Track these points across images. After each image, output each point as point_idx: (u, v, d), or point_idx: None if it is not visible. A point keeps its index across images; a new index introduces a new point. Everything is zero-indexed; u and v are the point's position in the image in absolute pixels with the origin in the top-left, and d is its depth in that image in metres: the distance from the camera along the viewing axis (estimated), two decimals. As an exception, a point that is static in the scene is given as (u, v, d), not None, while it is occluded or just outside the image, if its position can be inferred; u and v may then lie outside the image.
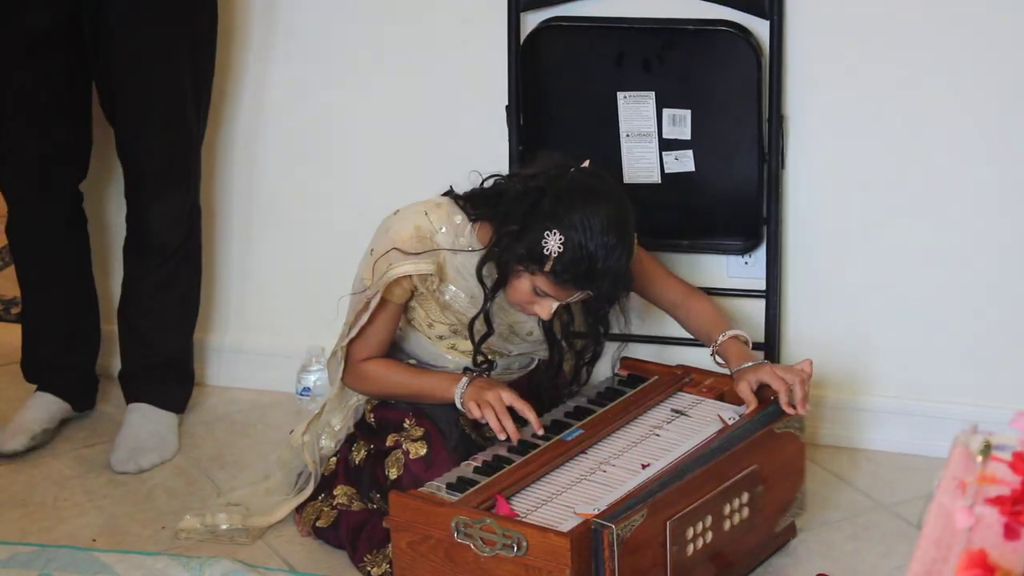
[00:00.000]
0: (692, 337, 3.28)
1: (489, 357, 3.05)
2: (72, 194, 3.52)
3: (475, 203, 2.99)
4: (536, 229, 2.82)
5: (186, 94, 3.37)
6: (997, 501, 1.46)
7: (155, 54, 3.31)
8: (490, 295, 2.94)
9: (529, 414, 2.92)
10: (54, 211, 3.49)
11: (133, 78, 3.33)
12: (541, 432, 2.92)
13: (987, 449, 1.55)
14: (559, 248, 2.80)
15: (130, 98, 3.35)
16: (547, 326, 3.04)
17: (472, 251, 2.96)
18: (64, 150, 3.42)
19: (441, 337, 3.06)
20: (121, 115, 3.38)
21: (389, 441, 3.01)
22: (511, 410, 2.92)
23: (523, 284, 2.88)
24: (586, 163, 2.93)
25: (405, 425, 3.01)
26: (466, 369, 3.05)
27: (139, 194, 3.44)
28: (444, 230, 2.97)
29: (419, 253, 2.93)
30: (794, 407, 2.91)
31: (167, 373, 3.59)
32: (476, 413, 2.92)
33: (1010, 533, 1.43)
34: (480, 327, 2.98)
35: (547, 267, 2.82)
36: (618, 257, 2.82)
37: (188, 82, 3.37)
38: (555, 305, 2.89)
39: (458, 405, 2.97)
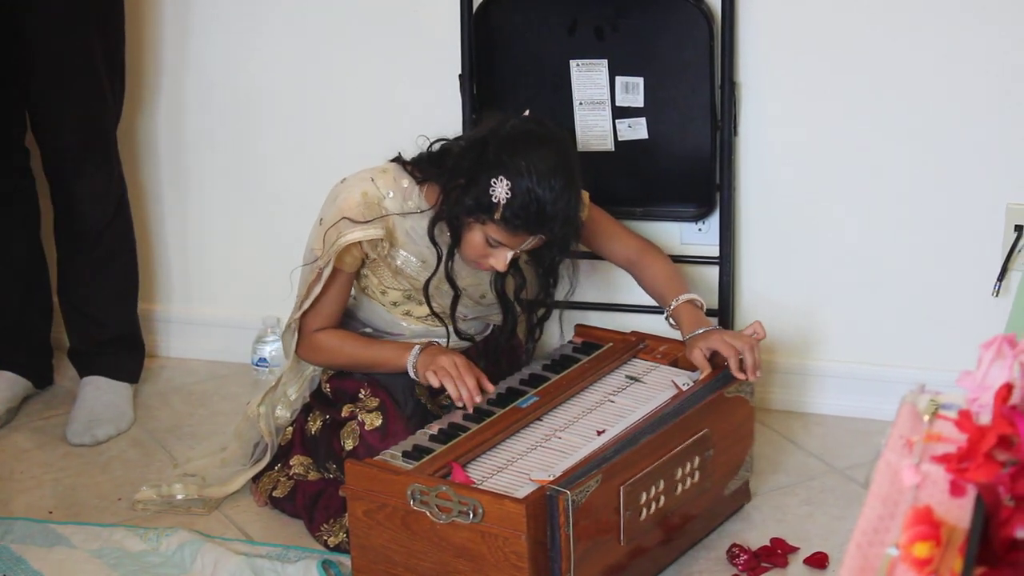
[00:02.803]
0: (640, 304, 3.30)
1: (445, 321, 3.05)
2: (8, 140, 3.44)
3: (422, 166, 3.00)
4: (483, 179, 2.82)
5: (99, 68, 3.33)
6: (943, 459, 1.47)
7: (63, 30, 3.26)
8: (448, 255, 2.94)
9: (483, 381, 2.92)
10: None
11: (44, 56, 3.27)
12: (492, 393, 2.93)
13: (934, 408, 1.56)
14: (507, 194, 2.80)
15: (42, 77, 3.30)
16: (500, 288, 3.05)
17: (421, 213, 2.97)
18: None
19: (395, 304, 3.07)
20: (35, 94, 3.33)
21: (344, 412, 3.02)
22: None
23: (476, 237, 2.88)
24: (526, 113, 2.94)
25: (360, 395, 3.02)
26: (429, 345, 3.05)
27: (61, 175, 3.41)
28: (392, 195, 2.97)
29: (368, 221, 2.93)
30: (745, 373, 2.93)
31: (117, 346, 3.58)
32: (435, 381, 2.93)
33: (956, 490, 1.44)
34: (438, 285, 2.99)
35: (497, 215, 2.82)
36: (567, 199, 2.83)
37: (100, 55, 3.32)
38: (510, 255, 2.89)
39: (411, 374, 2.98)
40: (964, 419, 1.49)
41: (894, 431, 1.54)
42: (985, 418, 1.49)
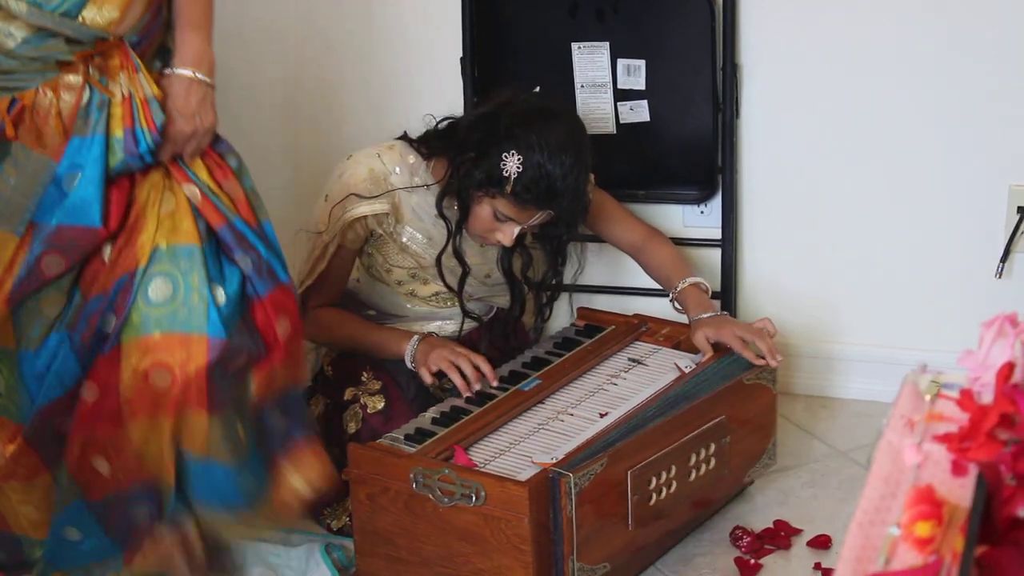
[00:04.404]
0: (648, 287, 3.29)
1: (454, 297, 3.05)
2: None
3: (429, 143, 3.00)
4: (494, 153, 2.82)
5: None
6: (945, 438, 1.47)
7: None
8: (456, 229, 2.94)
9: (484, 366, 2.92)
10: None
11: None
12: (495, 383, 2.92)
13: (935, 387, 1.56)
14: (518, 168, 2.80)
15: None
16: (506, 267, 3.05)
17: (427, 188, 2.96)
18: None
19: (400, 283, 3.06)
20: None
21: (347, 395, 3.02)
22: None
23: (484, 210, 2.88)
24: (536, 90, 2.94)
25: (363, 378, 3.02)
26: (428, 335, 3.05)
27: None
28: (398, 171, 2.97)
29: (375, 196, 2.93)
30: (762, 358, 2.91)
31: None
32: (428, 379, 2.93)
33: (957, 469, 1.44)
34: (444, 263, 2.98)
35: (507, 189, 2.82)
36: (577, 175, 2.83)
37: None
38: (517, 229, 2.89)
39: (409, 364, 2.97)
40: (966, 398, 1.49)
41: (896, 411, 1.54)
42: (987, 397, 1.49)
